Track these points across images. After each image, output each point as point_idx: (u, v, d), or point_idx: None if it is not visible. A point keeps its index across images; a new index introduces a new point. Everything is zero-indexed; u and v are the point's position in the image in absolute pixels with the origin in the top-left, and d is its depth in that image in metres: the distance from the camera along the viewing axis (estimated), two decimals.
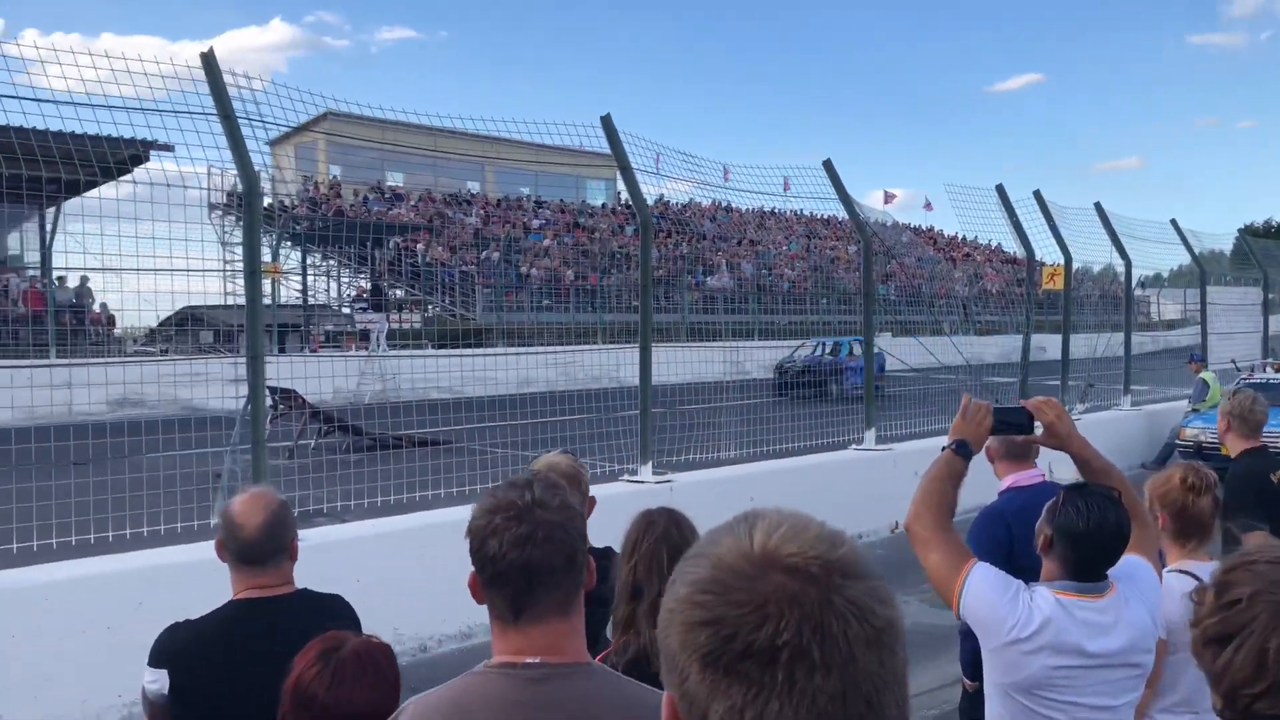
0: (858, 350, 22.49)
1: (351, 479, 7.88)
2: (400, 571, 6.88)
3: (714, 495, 8.70)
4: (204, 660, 2.82)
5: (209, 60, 7.11)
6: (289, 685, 2.28)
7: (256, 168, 7.30)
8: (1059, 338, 15.43)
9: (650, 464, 9.10)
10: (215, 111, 7.19)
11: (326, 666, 2.25)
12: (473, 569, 1.92)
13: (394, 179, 41.87)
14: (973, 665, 3.92)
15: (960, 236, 53.26)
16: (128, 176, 9.31)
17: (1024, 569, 3.07)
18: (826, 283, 37.10)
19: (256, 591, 2.94)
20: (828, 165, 11.79)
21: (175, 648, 2.85)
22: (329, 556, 6.13)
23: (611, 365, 17.48)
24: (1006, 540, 3.92)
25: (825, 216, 48.45)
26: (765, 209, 45.63)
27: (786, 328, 27.53)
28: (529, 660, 1.84)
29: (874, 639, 0.95)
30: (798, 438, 11.74)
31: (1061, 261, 15.11)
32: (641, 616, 2.83)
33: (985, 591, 2.84)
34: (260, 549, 2.94)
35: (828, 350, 23.18)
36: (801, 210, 46.38)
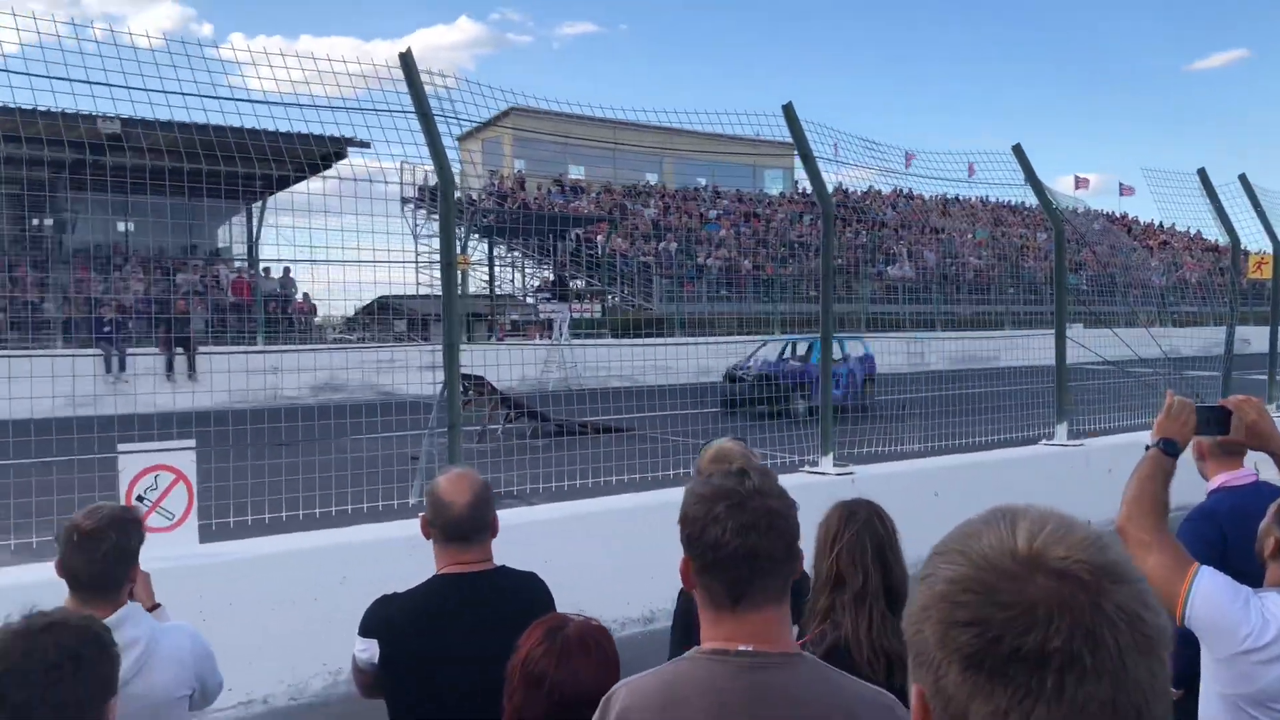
0: (839, 352, 18.71)
1: (541, 463, 8.09)
2: (586, 554, 7.02)
3: (897, 489, 8.54)
4: (412, 631, 2.94)
5: (407, 60, 7.33)
6: (517, 663, 2.33)
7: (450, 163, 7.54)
8: (1266, 330, 14.52)
9: (831, 455, 9.01)
10: (412, 109, 7.40)
11: (554, 645, 2.31)
12: (685, 554, 1.93)
13: (575, 172, 42.61)
14: (1178, 673, 3.74)
15: (1157, 223, 50.66)
16: (330, 172, 9.79)
17: (1238, 573, 2.91)
18: (1014, 272, 35.86)
19: (460, 567, 3.05)
20: (1017, 150, 11.40)
21: (385, 619, 2.98)
22: (519, 537, 6.30)
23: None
24: (1219, 542, 3.72)
25: (1012, 203, 46.95)
26: (949, 195, 44.50)
27: (970, 318, 26.75)
28: (742, 648, 1.85)
29: (1145, 647, 0.93)
30: (984, 431, 11.43)
31: (1269, 249, 14.21)
32: (842, 607, 2.82)
33: (1215, 598, 2.69)
34: (466, 526, 3.05)
35: (798, 353, 19.57)
36: (987, 197, 45.18)
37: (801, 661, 1.90)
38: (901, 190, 44.23)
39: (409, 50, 7.36)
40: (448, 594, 3.01)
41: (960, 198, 45.72)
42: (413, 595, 3.02)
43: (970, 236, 43.52)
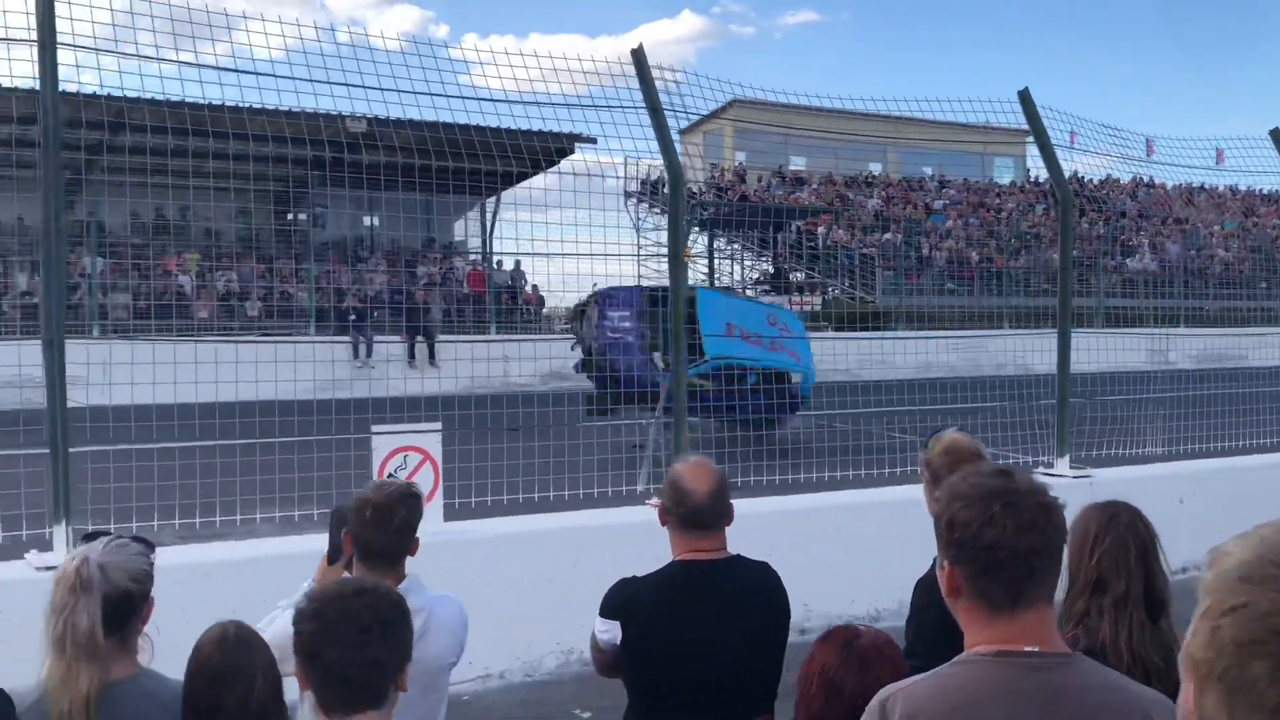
0: (749, 356, 12.76)
1: (765, 455, 8.13)
2: (810, 549, 6.98)
3: (1138, 493, 8.02)
4: (654, 615, 3.01)
5: (639, 56, 7.44)
6: (814, 672, 2.36)
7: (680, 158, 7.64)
8: None
9: (1067, 457, 8.65)
10: (636, 104, 7.52)
11: (852, 654, 2.34)
12: (947, 560, 1.89)
13: (796, 163, 42.32)
14: None
15: None
16: (564, 168, 10.07)
17: None
18: (1267, 265, 33.39)
19: (697, 555, 3.10)
20: (1276, 135, 10.60)
21: (627, 602, 3.06)
22: (743, 528, 6.34)
23: (1019, 351, 16.76)
24: None
25: (1266, 192, 43.64)
26: (1194, 184, 41.79)
27: (1219, 314, 25.11)
28: (1026, 649, 1.80)
29: None
30: (1234, 435, 10.71)
31: None
32: (1099, 612, 2.70)
33: None
34: (707, 514, 3.09)
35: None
36: (1237, 185, 42.20)
37: (1081, 662, 1.86)
38: (1142, 178, 41.79)
39: (640, 46, 7.47)
40: (687, 580, 3.06)
41: (1206, 186, 42.88)
42: (653, 580, 3.09)
43: (1218, 227, 40.79)
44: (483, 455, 7.14)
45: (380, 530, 3.02)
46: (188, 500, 6.23)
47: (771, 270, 27.89)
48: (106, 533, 2.71)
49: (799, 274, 29.74)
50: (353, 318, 18.46)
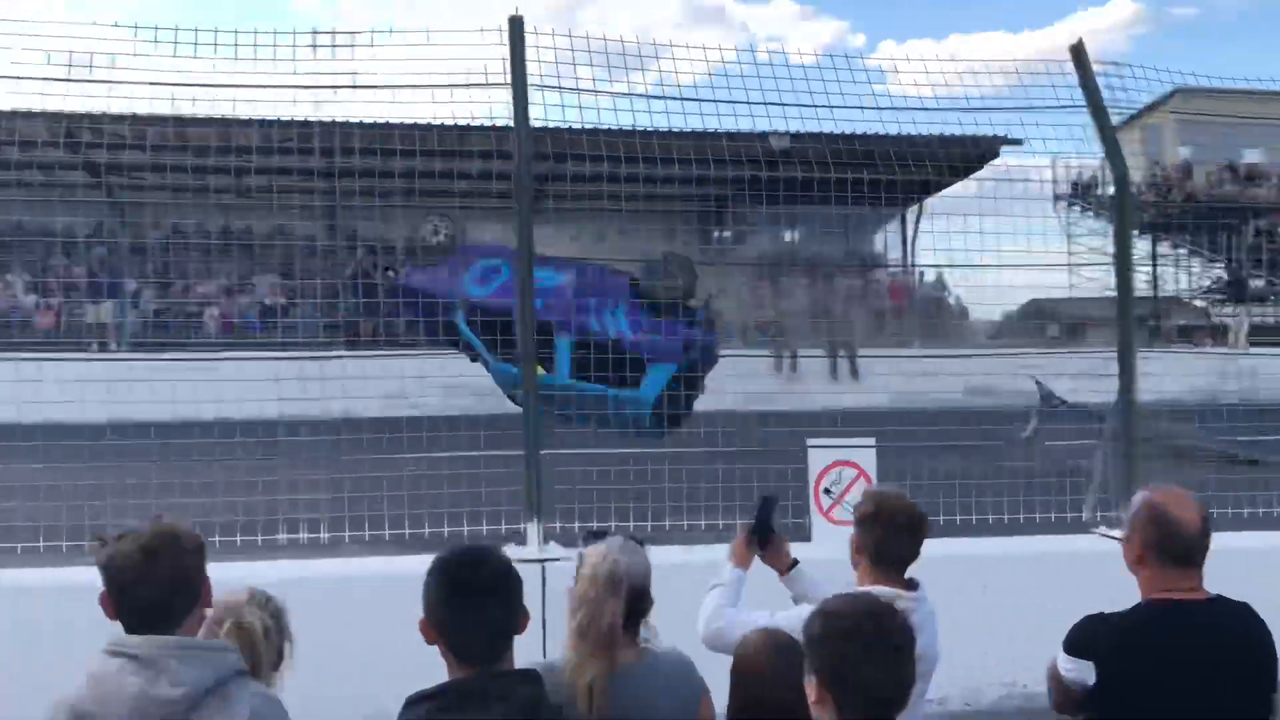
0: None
1: (1231, 485, 7.39)
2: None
3: None
4: (1133, 657, 2.84)
5: (1078, 51, 7.12)
6: None
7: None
8: None
9: None
10: (1080, 103, 7.19)
11: None
12: None
13: (1250, 156, 38.28)
14: None
15: None
16: (988, 173, 9.80)
17: None
18: None
19: (1176, 594, 2.89)
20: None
21: (1100, 640, 2.90)
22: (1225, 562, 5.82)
23: None
24: None
25: None
26: None
27: None
28: None
29: None
30: None
31: None
32: None
33: None
34: (1195, 548, 2.89)
35: None
36: None
37: None
38: None
39: (1080, 41, 7.18)
40: (1168, 621, 2.87)
41: None
42: (1130, 618, 2.91)
43: None
44: (918, 473, 7.03)
45: (910, 539, 3.30)
46: (640, 503, 6.63)
47: (1226, 277, 25.41)
48: (608, 531, 3.04)
49: (1258, 281, 26.90)
50: (774, 332, 18.92)
